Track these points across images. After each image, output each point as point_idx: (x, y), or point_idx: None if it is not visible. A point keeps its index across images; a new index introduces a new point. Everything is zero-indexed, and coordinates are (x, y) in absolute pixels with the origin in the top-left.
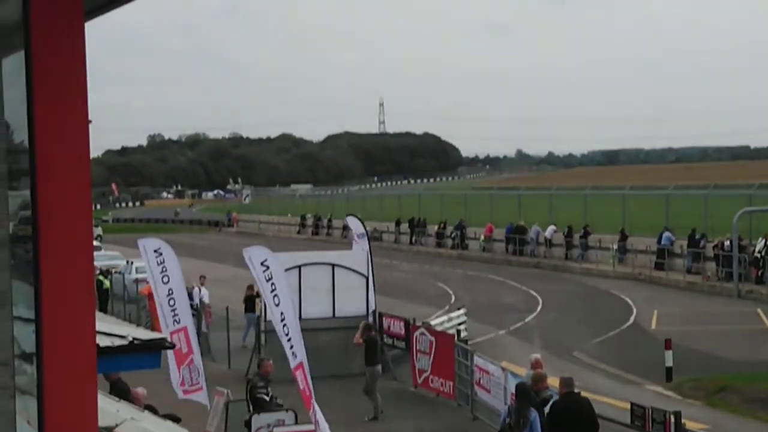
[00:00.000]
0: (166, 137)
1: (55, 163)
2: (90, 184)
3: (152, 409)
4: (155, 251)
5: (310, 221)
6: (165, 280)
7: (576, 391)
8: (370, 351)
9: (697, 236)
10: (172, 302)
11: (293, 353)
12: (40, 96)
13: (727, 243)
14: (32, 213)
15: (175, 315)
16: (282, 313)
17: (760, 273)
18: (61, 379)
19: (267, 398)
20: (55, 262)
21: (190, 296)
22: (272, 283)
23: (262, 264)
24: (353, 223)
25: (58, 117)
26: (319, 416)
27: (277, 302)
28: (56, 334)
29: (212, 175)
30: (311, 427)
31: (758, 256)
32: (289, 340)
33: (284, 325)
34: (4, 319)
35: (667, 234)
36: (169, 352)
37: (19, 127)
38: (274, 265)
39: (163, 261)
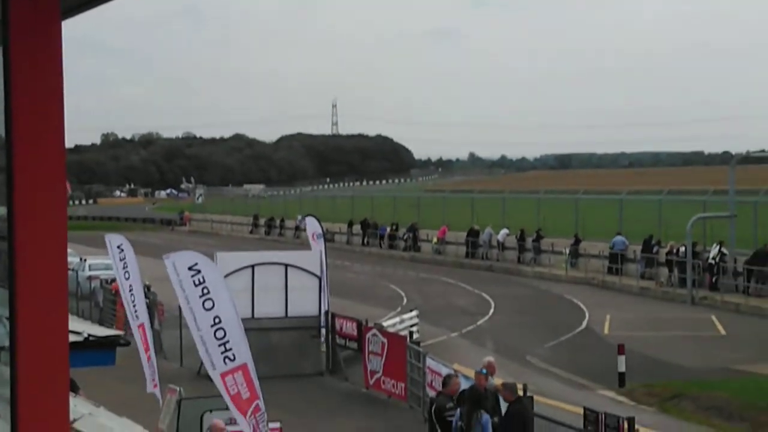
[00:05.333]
0: (120, 136)
1: (31, 162)
2: (66, 182)
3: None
4: (118, 247)
5: (262, 221)
6: (126, 276)
7: (529, 395)
8: None
9: (653, 242)
10: (132, 298)
11: (228, 357)
12: (18, 93)
13: (682, 249)
14: (8, 211)
15: (135, 311)
16: (216, 317)
17: (714, 279)
18: (34, 375)
19: (456, 421)
20: (31, 261)
21: None
22: (204, 288)
23: (190, 269)
24: (312, 223)
25: (36, 114)
26: (261, 422)
27: (210, 306)
28: (30, 332)
29: (165, 174)
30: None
31: (712, 262)
32: (222, 344)
33: (218, 329)
34: None
35: (620, 239)
36: (140, 347)
37: None
38: (206, 269)
39: (125, 257)
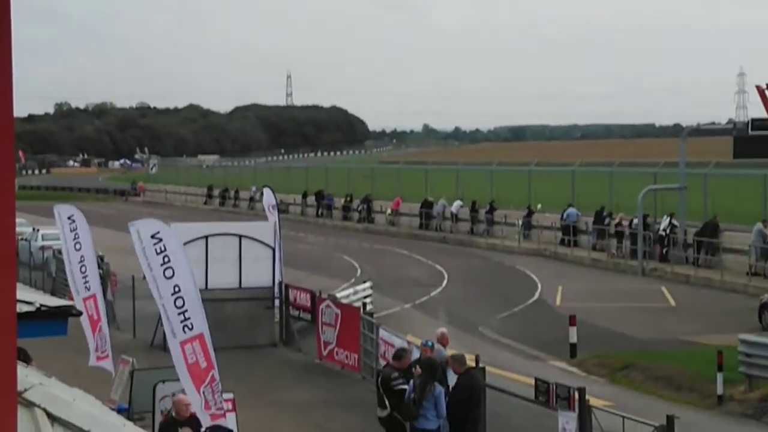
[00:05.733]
0: (74, 106)
1: None
2: (13, 153)
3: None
4: (69, 218)
5: (217, 192)
6: (77, 247)
7: (481, 365)
8: None
9: (604, 214)
10: (83, 269)
11: (186, 326)
12: None
13: (635, 221)
14: None
15: (86, 282)
16: (176, 286)
17: (664, 251)
18: None
19: (407, 388)
20: None
21: None
22: (165, 256)
23: (153, 237)
24: (268, 194)
25: None
26: (216, 392)
27: (170, 274)
28: None
29: (119, 145)
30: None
31: (663, 234)
32: (182, 313)
33: (178, 298)
34: None
35: (572, 210)
36: (85, 319)
37: None
38: (168, 238)
39: (76, 228)
